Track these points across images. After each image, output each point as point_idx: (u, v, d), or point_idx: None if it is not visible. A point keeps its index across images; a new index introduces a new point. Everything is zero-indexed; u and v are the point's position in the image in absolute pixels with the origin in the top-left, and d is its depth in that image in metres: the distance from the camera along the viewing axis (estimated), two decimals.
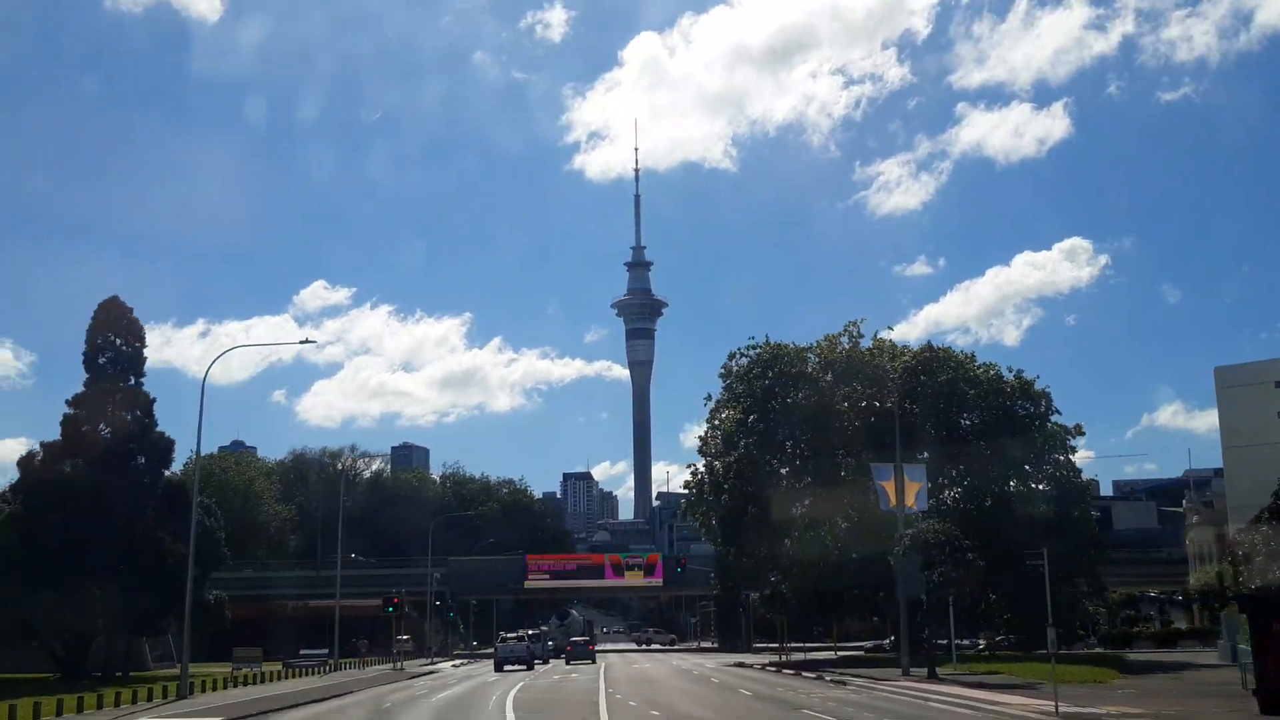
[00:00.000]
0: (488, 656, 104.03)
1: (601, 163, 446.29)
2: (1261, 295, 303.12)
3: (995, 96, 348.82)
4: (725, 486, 70.87)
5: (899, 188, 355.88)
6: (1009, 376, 73.11)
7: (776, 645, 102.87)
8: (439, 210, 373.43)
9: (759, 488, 71.16)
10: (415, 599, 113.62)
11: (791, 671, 54.84)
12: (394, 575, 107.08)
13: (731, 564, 75.07)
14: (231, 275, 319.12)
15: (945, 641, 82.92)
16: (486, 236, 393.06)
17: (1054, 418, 72.45)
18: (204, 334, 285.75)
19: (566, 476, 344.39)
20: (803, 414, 71.35)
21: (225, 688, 50.21)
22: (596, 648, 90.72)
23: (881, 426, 70.35)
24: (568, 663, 73.82)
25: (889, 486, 50.46)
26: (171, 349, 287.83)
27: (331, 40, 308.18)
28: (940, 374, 70.88)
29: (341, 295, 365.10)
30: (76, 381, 59.44)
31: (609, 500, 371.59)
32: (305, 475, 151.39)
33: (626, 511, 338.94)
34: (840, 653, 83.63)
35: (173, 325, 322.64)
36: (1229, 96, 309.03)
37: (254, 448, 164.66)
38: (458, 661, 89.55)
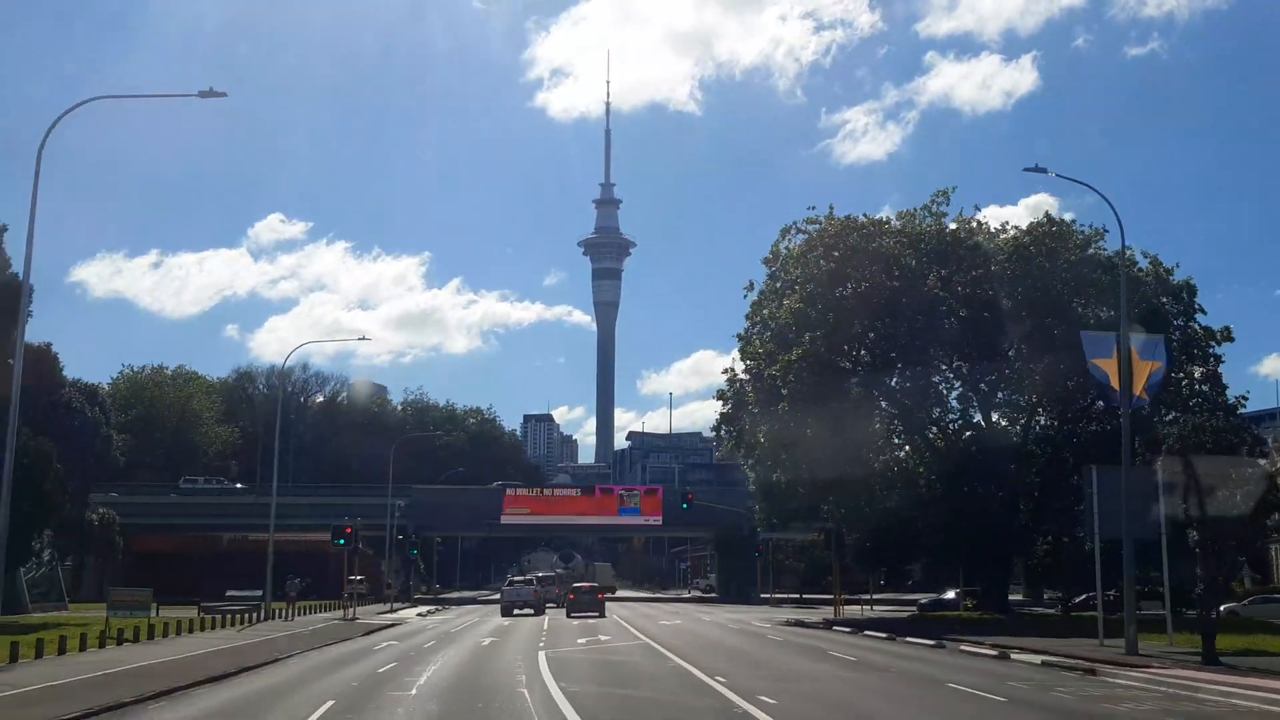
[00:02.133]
0: (457, 603, 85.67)
1: (564, 101, 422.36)
2: (1224, 255, 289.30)
3: (964, 46, 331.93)
4: (784, 392, 52.39)
5: (865, 136, 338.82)
6: (1144, 264, 55.20)
7: (792, 597, 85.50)
8: (398, 145, 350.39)
9: (825, 396, 53.10)
10: (371, 534, 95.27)
11: (928, 641, 36.40)
12: (347, 505, 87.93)
13: (783, 492, 56.49)
14: (186, 205, 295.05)
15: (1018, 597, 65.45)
16: (447, 174, 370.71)
17: (1198, 319, 54.86)
18: (156, 265, 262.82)
19: (527, 418, 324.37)
20: (884, 304, 53.15)
21: (82, 649, 31.41)
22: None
23: (986, 320, 52.71)
24: (569, 614, 55.71)
25: (1109, 366, 32.13)
26: (122, 278, 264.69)
27: None
28: (1062, 255, 52.94)
29: (298, 229, 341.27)
30: None
31: (569, 444, 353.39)
32: (250, 396, 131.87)
33: (586, 456, 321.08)
34: (888, 608, 66.16)
35: (124, 255, 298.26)
36: (1196, 53, 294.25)
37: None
38: (424, 609, 70.89)
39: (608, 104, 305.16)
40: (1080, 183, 40.03)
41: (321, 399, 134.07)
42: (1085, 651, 30.19)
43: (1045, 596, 65.03)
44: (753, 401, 57.08)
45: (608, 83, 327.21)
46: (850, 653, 32.01)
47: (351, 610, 57.71)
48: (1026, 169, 33.15)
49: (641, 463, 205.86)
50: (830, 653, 31.82)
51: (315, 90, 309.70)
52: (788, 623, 52.38)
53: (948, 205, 57.29)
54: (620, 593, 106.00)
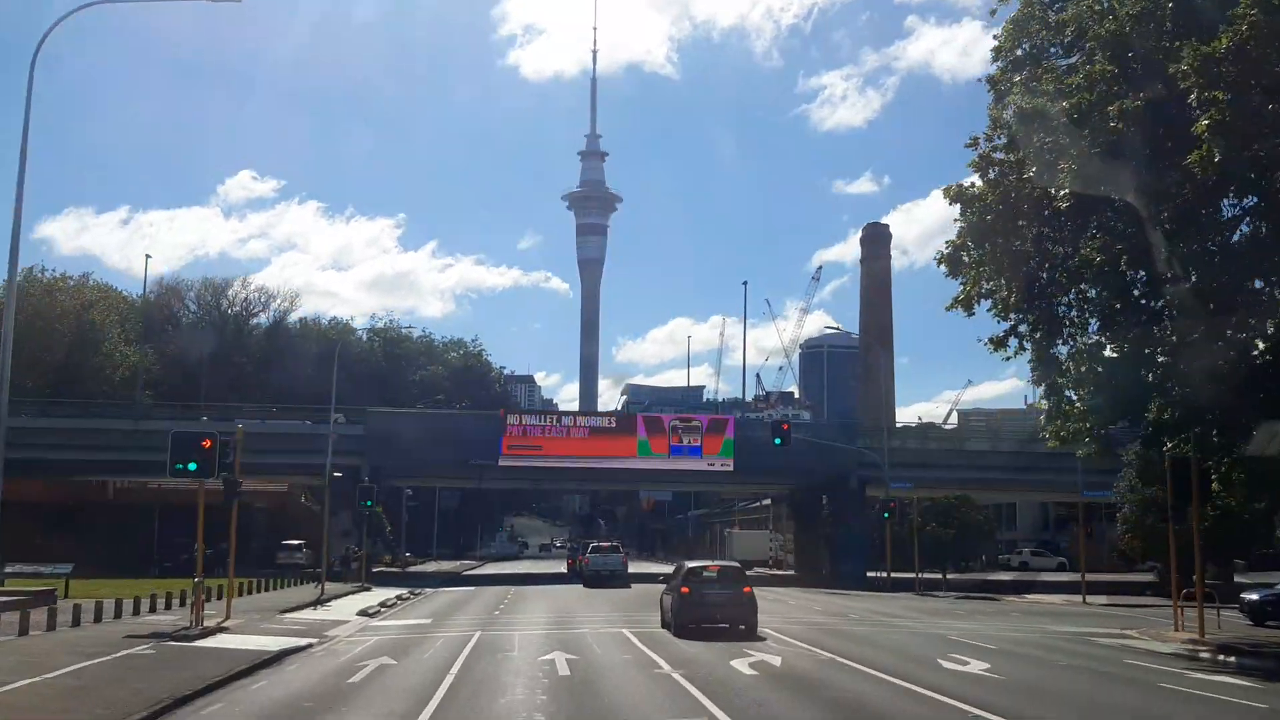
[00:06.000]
0: (434, 580, 54.30)
1: (538, 60, 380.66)
2: None
3: (945, 12, 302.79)
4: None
5: (844, 102, 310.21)
6: None
7: (933, 578, 54.35)
8: (369, 103, 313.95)
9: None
10: (316, 481, 63.91)
11: None
12: (275, 434, 56.28)
13: (1124, 387, 24.76)
14: (157, 161, 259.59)
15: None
16: (420, 134, 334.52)
17: None
18: (126, 221, 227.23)
19: (509, 379, 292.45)
20: None
21: None
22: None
23: None
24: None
25: None
26: (90, 235, 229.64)
27: None
28: None
29: (269, 187, 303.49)
30: None
31: (550, 407, 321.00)
32: (176, 314, 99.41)
33: None
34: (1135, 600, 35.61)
35: (93, 212, 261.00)
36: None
37: None
38: (379, 596, 38.58)
39: (594, 52, 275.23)
40: None
41: (265, 320, 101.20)
42: None
43: None
44: (1025, 218, 25.87)
45: (594, 29, 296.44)
46: None
47: (197, 615, 25.93)
48: None
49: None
50: None
51: (283, 47, 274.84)
52: (1198, 653, 21.57)
53: None
54: (650, 568, 74.33)
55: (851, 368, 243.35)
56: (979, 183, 27.54)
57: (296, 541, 62.83)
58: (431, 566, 76.82)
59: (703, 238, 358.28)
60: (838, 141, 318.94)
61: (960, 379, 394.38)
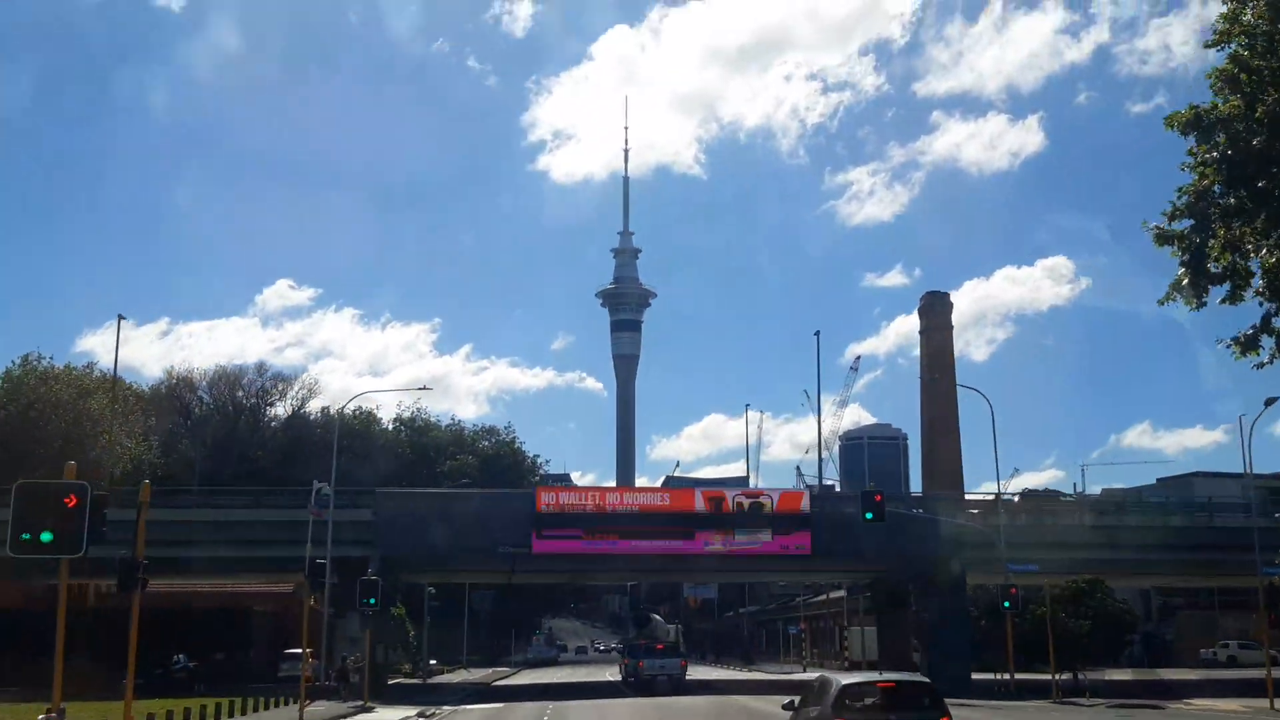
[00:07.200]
0: (458, 695, 44.29)
1: (568, 164, 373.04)
2: (1234, 315, 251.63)
3: (970, 106, 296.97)
4: None
5: (871, 198, 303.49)
6: None
7: (1063, 680, 43.34)
8: (402, 210, 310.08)
9: None
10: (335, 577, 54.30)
11: None
12: (269, 523, 47.15)
13: None
14: (193, 270, 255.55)
15: None
16: (453, 239, 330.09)
17: None
18: (165, 333, 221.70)
19: (544, 478, 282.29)
20: None
21: None
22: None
23: None
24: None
25: None
26: (129, 347, 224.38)
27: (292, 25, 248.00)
28: None
29: (306, 295, 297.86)
30: None
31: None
32: (188, 406, 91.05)
33: None
34: None
35: (133, 324, 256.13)
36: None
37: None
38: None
39: (626, 150, 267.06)
40: None
41: (283, 410, 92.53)
42: None
43: None
44: None
45: (625, 128, 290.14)
46: None
47: None
48: None
49: None
50: None
51: (318, 154, 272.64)
52: None
53: None
54: (708, 674, 63.37)
55: (893, 459, 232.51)
56: (1224, 103, 18.62)
57: (302, 650, 53.21)
58: (459, 676, 66.72)
59: (735, 333, 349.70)
60: (866, 236, 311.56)
61: (991, 469, 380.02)
